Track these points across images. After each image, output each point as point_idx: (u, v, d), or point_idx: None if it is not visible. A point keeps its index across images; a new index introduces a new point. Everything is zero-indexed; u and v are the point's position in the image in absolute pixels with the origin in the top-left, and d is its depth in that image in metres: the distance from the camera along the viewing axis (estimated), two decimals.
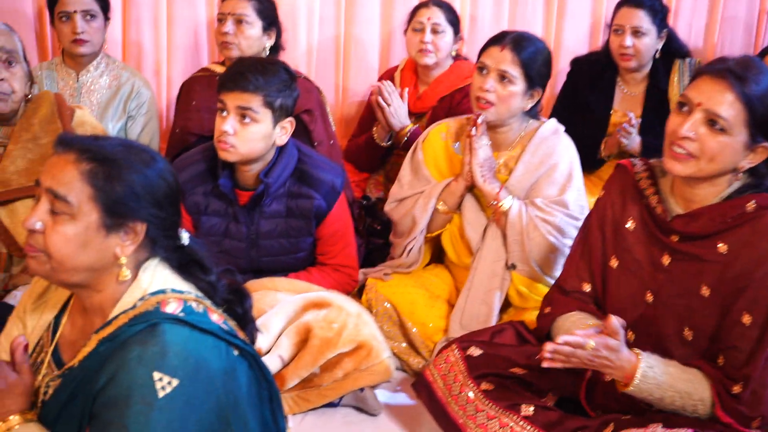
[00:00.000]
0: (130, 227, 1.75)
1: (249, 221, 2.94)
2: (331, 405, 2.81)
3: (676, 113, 2.25)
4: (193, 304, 1.76)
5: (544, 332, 2.56)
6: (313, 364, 2.71)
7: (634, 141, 3.85)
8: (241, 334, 1.86)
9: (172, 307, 1.72)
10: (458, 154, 3.11)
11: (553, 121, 3.10)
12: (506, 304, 3.07)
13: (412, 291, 3.09)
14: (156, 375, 1.61)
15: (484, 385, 2.46)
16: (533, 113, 3.07)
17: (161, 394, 1.61)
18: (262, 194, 2.89)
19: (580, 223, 2.85)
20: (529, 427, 2.36)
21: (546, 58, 3.00)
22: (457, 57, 4.05)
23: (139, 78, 3.92)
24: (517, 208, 2.94)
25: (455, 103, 3.90)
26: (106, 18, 3.79)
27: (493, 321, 2.95)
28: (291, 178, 2.94)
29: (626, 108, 4.07)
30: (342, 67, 4.54)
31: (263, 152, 2.85)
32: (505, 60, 2.93)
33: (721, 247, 2.22)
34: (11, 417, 1.75)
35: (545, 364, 2.16)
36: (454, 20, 3.93)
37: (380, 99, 3.81)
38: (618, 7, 4.02)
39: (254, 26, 3.71)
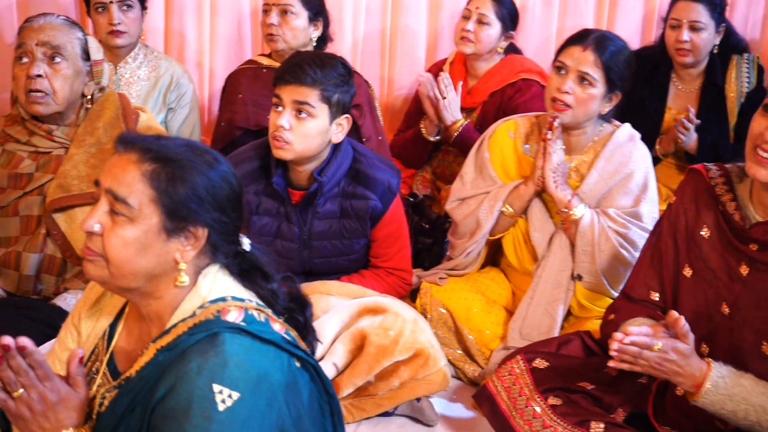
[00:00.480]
0: (191, 232, 1.69)
1: (301, 221, 2.86)
2: (386, 414, 2.73)
3: (762, 115, 2.16)
4: (255, 313, 1.70)
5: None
6: (368, 372, 2.63)
7: (690, 138, 3.74)
8: (302, 345, 1.81)
9: (233, 316, 1.66)
10: (527, 155, 3.00)
11: (628, 126, 2.97)
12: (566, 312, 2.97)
13: (468, 296, 2.99)
14: (216, 387, 1.56)
15: (552, 400, 2.36)
16: (607, 117, 2.94)
17: (221, 407, 1.55)
18: (315, 193, 2.81)
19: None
20: None
21: (628, 59, 2.88)
22: (509, 50, 3.93)
23: (178, 68, 3.86)
24: (589, 218, 2.84)
25: (507, 98, 3.82)
26: (143, 8, 3.73)
27: (556, 332, 2.85)
28: (345, 177, 2.85)
29: (680, 105, 3.95)
30: (388, 60, 4.46)
31: (319, 149, 2.76)
32: (586, 61, 2.81)
33: None
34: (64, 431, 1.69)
35: (611, 364, 2.07)
36: (506, 15, 3.82)
37: (435, 91, 3.71)
38: (675, 0, 3.88)
39: (299, 17, 3.65)
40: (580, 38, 2.88)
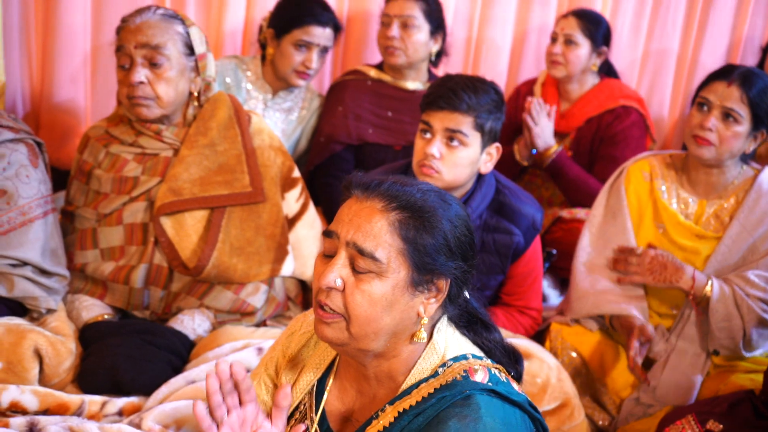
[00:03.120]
0: (435, 283, 1.60)
1: None
2: None
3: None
4: (497, 372, 1.64)
5: None
6: None
7: None
8: None
9: (480, 376, 1.59)
10: (663, 200, 2.87)
11: None
12: None
13: (600, 340, 2.88)
14: None
15: None
16: (747, 158, 2.84)
17: None
18: None
19: None
20: None
21: None
22: (605, 74, 3.83)
23: (317, 97, 3.81)
24: (718, 292, 2.73)
25: (604, 125, 3.76)
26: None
27: (694, 397, 2.75)
28: (488, 209, 2.74)
29: None
30: (471, 71, 4.33)
31: (468, 180, 2.67)
32: (731, 97, 2.71)
33: None
34: None
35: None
36: (595, 32, 3.74)
37: (528, 116, 3.60)
38: None
39: (422, 30, 3.56)
40: (725, 73, 2.78)
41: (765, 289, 2.73)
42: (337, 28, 3.56)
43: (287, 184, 2.88)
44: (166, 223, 2.63)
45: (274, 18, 3.56)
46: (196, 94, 2.74)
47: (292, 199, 2.88)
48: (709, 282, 2.74)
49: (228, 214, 2.67)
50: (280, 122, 3.67)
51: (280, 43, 3.50)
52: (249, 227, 2.69)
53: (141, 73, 2.60)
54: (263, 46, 3.62)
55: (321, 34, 3.47)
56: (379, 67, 3.71)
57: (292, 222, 2.88)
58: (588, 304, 2.88)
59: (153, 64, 2.61)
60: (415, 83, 3.66)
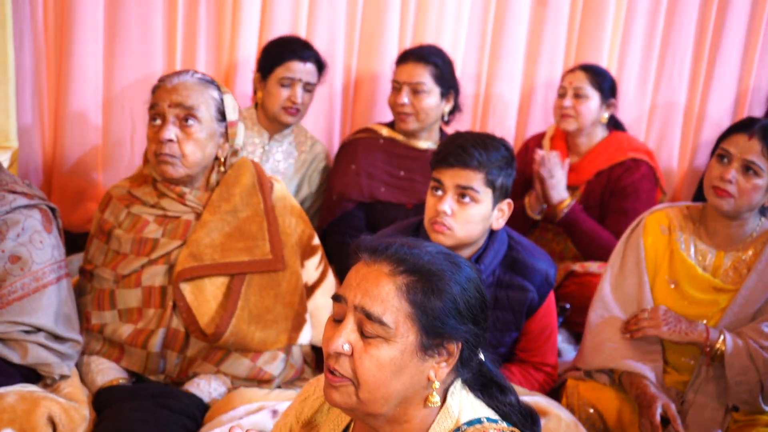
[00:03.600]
0: (445, 347, 1.58)
1: None
2: None
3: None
4: None
5: None
6: None
7: None
8: None
9: None
10: (681, 251, 2.86)
11: None
12: None
13: (617, 395, 2.83)
14: None
15: None
16: (766, 211, 2.83)
17: None
18: None
19: None
20: None
21: None
22: (613, 127, 3.85)
23: (320, 145, 3.86)
24: (731, 345, 2.70)
25: (614, 177, 3.76)
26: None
27: None
28: (500, 265, 2.73)
29: None
30: (479, 127, 4.37)
31: (480, 236, 2.67)
32: (753, 150, 2.70)
33: None
34: None
35: None
36: (603, 85, 3.77)
37: (542, 170, 3.61)
38: None
39: (432, 94, 3.58)
40: (746, 126, 2.77)
41: None
42: (319, 64, 3.63)
43: (307, 252, 2.88)
44: (186, 288, 2.62)
45: (259, 62, 3.65)
46: (222, 159, 2.75)
47: (312, 267, 2.89)
48: (721, 336, 2.71)
49: (248, 281, 2.67)
50: (280, 165, 3.71)
51: (266, 84, 3.58)
52: (268, 295, 2.68)
53: (171, 131, 2.62)
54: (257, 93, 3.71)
55: (302, 69, 3.55)
56: (391, 125, 3.73)
57: (311, 290, 2.88)
58: (600, 358, 2.85)
59: (184, 124, 2.63)
60: (427, 143, 3.68)
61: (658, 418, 2.64)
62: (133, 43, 3.80)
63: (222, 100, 2.71)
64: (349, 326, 1.55)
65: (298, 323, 2.75)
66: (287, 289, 2.73)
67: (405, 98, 3.53)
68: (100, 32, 3.77)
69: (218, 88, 2.73)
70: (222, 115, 2.71)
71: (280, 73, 3.54)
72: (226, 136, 2.73)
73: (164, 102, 2.64)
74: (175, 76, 2.70)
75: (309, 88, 3.59)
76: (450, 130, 4.04)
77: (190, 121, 2.63)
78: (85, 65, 3.75)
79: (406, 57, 3.62)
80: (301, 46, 3.61)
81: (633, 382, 2.76)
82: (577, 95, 3.72)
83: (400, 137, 3.68)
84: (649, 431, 2.63)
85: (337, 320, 1.59)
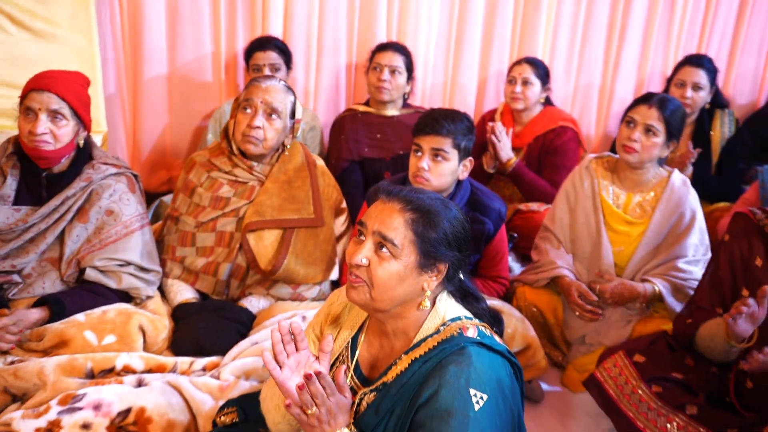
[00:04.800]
0: (436, 267, 1.60)
1: None
2: None
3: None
4: (483, 329, 1.62)
5: (687, 339, 2.39)
6: None
7: (688, 170, 3.64)
8: None
9: (471, 332, 1.58)
10: (603, 195, 2.85)
11: (677, 172, 2.84)
12: None
13: (553, 298, 2.87)
14: (472, 391, 1.48)
15: (654, 388, 2.26)
16: (662, 162, 2.83)
17: (476, 407, 1.47)
18: None
19: (701, 254, 2.70)
20: (694, 424, 2.17)
21: (682, 116, 2.76)
22: (546, 103, 3.82)
23: (310, 113, 3.76)
24: (665, 289, 2.72)
25: (548, 141, 3.73)
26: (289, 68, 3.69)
27: (626, 337, 2.73)
28: (465, 206, 2.72)
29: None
30: (447, 106, 4.30)
31: (450, 185, 2.65)
32: (652, 116, 2.70)
33: None
34: (338, 430, 1.57)
35: (746, 367, 1.99)
36: (543, 74, 3.73)
37: (493, 136, 3.60)
38: (681, 65, 3.81)
39: (402, 75, 3.62)
40: (647, 99, 2.77)
41: (690, 273, 2.73)
42: (280, 49, 3.58)
43: (337, 212, 2.87)
44: (250, 237, 2.61)
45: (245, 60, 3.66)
46: (287, 144, 2.73)
47: (339, 223, 2.87)
48: (655, 287, 2.72)
49: (296, 233, 2.65)
50: None
51: (250, 73, 3.60)
52: (310, 243, 2.67)
53: (260, 120, 2.60)
54: None
55: (263, 57, 3.53)
56: (366, 103, 3.73)
57: (339, 238, 2.86)
58: (542, 271, 2.89)
59: (269, 117, 2.61)
60: (393, 111, 3.68)
61: (575, 295, 2.71)
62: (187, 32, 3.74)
63: (294, 102, 2.69)
64: (369, 245, 1.58)
65: (330, 265, 2.73)
66: (324, 239, 2.72)
67: (385, 76, 3.55)
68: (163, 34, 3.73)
69: (293, 94, 2.70)
70: (293, 114, 2.69)
71: (251, 64, 3.56)
72: (293, 129, 2.72)
73: (257, 98, 2.60)
74: (266, 80, 2.67)
75: (276, 69, 3.55)
76: (417, 103, 4.04)
77: (274, 116, 2.61)
78: (155, 69, 3.72)
79: (387, 47, 3.62)
80: (263, 41, 3.58)
81: (559, 282, 2.80)
82: (525, 83, 3.67)
83: (373, 110, 3.68)
84: (576, 309, 2.67)
85: (358, 240, 1.61)
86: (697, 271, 2.71)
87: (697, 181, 3.71)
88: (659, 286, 2.71)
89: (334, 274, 2.75)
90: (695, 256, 2.75)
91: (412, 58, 3.66)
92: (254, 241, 2.60)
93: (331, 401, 1.54)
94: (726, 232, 2.36)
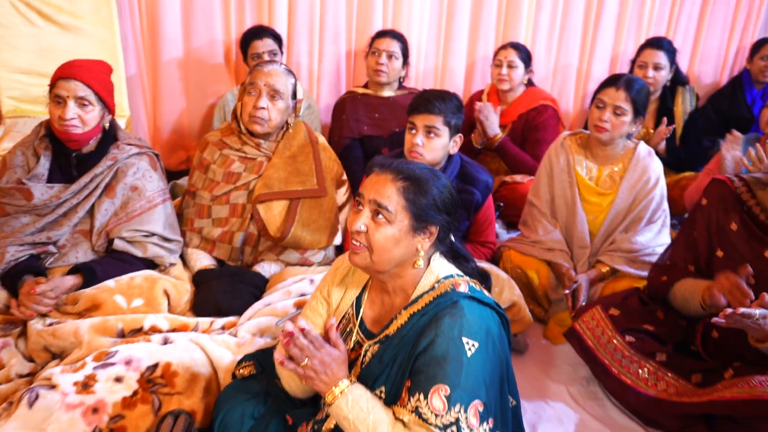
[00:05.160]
0: (428, 229, 1.62)
1: None
2: None
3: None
4: (473, 285, 1.64)
5: (660, 296, 2.40)
6: None
7: (661, 145, 3.65)
8: None
9: (463, 288, 1.60)
10: (577, 168, 2.86)
11: (643, 144, 2.84)
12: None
13: (536, 262, 2.87)
14: (464, 339, 1.51)
15: (628, 338, 2.29)
16: (630, 136, 2.83)
17: (469, 353, 1.50)
18: None
19: (661, 220, 2.70)
20: (663, 369, 2.21)
21: (647, 94, 2.74)
22: (529, 84, 3.81)
23: (313, 101, 3.74)
24: (619, 266, 2.75)
25: (531, 118, 3.72)
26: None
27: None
28: (455, 178, 2.72)
29: (644, 122, 3.84)
30: (439, 87, 4.29)
31: (442, 159, 2.65)
32: (619, 98, 2.69)
33: None
34: (341, 382, 1.60)
35: (717, 321, 1.94)
36: (526, 57, 3.71)
37: (481, 115, 3.59)
38: (643, 48, 3.80)
39: (399, 60, 3.59)
40: (613, 81, 2.73)
41: (652, 250, 2.73)
42: (274, 36, 3.55)
43: (339, 184, 2.87)
44: (260, 207, 2.62)
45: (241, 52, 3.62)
46: (290, 123, 2.73)
47: (341, 194, 2.87)
48: (605, 268, 2.76)
49: (302, 203, 2.65)
50: None
51: (248, 63, 3.57)
52: (315, 212, 2.67)
53: (265, 101, 2.59)
54: None
55: (262, 45, 3.50)
56: (365, 86, 3.71)
57: (341, 208, 2.87)
58: (534, 249, 2.89)
59: (273, 99, 2.60)
60: (390, 92, 3.66)
61: (568, 284, 2.73)
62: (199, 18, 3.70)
63: (295, 84, 2.68)
64: (366, 213, 1.60)
65: (333, 231, 2.74)
66: (327, 208, 2.72)
67: (383, 59, 3.53)
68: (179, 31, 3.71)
69: (294, 76, 2.69)
70: (294, 95, 2.68)
71: (249, 53, 3.53)
72: (295, 109, 2.71)
73: (261, 81, 2.59)
74: (268, 64, 2.65)
75: (273, 54, 3.52)
76: (411, 85, 4.02)
77: (277, 98, 2.60)
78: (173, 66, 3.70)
79: (385, 34, 3.59)
80: (258, 30, 3.54)
81: (555, 266, 2.83)
82: (510, 66, 3.66)
83: (371, 92, 3.66)
84: (568, 286, 2.69)
85: (357, 209, 1.63)
86: (651, 236, 2.73)
87: (670, 154, 3.74)
88: (611, 267, 2.75)
89: (338, 240, 2.77)
90: (653, 218, 2.76)
91: (407, 45, 3.63)
92: (264, 211, 2.61)
93: (322, 353, 1.58)
94: (703, 196, 2.34)
